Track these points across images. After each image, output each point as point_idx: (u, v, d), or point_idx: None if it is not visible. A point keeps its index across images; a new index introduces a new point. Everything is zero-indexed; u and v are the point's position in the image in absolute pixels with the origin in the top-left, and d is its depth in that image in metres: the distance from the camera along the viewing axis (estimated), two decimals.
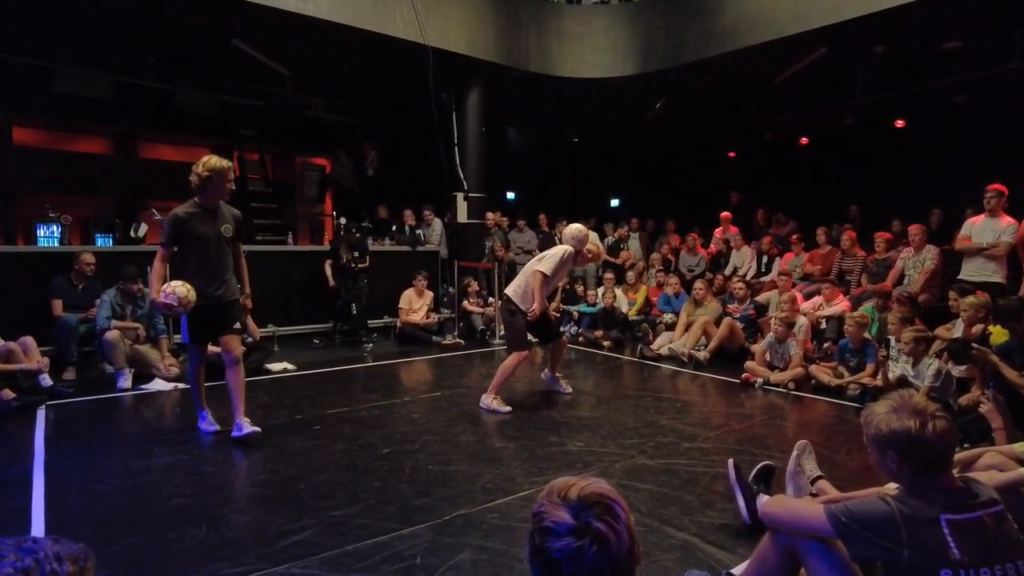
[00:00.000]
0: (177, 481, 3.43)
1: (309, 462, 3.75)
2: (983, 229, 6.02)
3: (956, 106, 8.66)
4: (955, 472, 1.75)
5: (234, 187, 4.20)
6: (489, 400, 4.94)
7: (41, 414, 4.64)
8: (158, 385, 5.54)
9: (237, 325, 4.26)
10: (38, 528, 2.86)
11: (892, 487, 1.75)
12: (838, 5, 6.93)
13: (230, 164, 4.09)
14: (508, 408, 4.93)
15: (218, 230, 4.06)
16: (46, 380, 5.19)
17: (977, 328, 4.54)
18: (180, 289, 3.82)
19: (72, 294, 6.03)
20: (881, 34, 7.35)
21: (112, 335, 5.55)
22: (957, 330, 5.26)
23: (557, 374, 5.56)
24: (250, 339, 6.12)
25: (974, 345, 4.13)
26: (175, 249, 4.03)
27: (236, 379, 4.11)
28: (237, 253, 4.25)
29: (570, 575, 1.07)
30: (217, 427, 4.22)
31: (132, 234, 7.51)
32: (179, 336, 6.60)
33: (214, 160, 3.99)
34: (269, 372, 6.15)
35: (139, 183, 10.54)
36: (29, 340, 5.29)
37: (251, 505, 3.18)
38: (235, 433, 4.03)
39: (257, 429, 4.05)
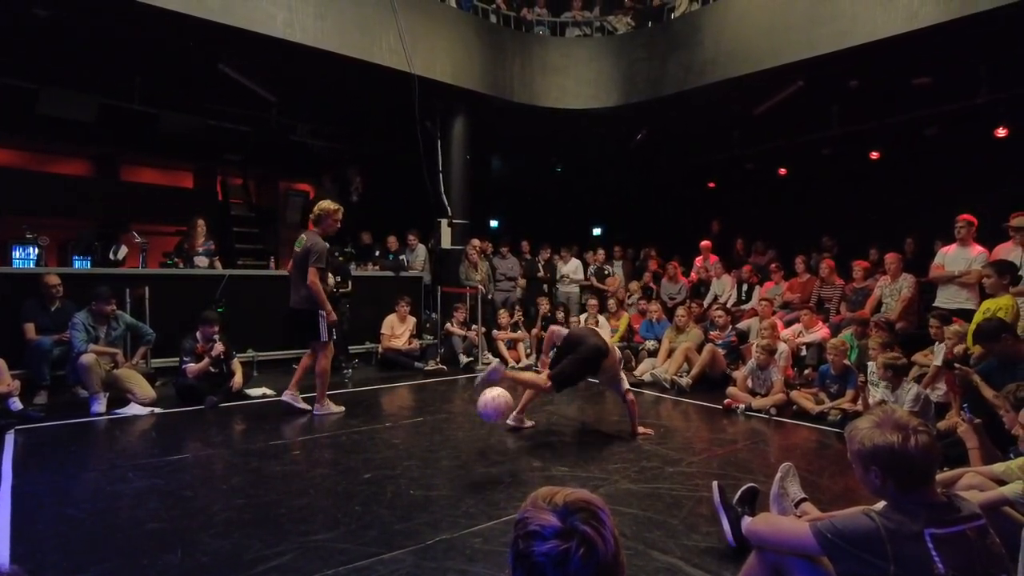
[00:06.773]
0: (152, 506, 3.34)
1: (288, 487, 3.68)
2: (955, 258, 6.16)
3: (927, 139, 8.94)
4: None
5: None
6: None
7: (10, 438, 4.51)
8: (134, 410, 5.40)
9: None
10: (3, 554, 2.75)
11: (880, 506, 1.76)
12: (812, 40, 7.16)
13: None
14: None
15: None
16: (16, 404, 5.07)
17: (960, 348, 4.64)
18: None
19: (45, 317, 5.89)
20: (854, 69, 7.59)
21: (88, 359, 5.41)
22: (936, 356, 5.34)
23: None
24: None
25: (956, 365, 4.20)
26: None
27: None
28: None
29: None
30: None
31: (112, 256, 7.37)
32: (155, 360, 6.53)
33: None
34: (248, 397, 6.05)
35: (120, 206, 10.44)
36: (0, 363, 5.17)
37: (228, 529, 3.08)
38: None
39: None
